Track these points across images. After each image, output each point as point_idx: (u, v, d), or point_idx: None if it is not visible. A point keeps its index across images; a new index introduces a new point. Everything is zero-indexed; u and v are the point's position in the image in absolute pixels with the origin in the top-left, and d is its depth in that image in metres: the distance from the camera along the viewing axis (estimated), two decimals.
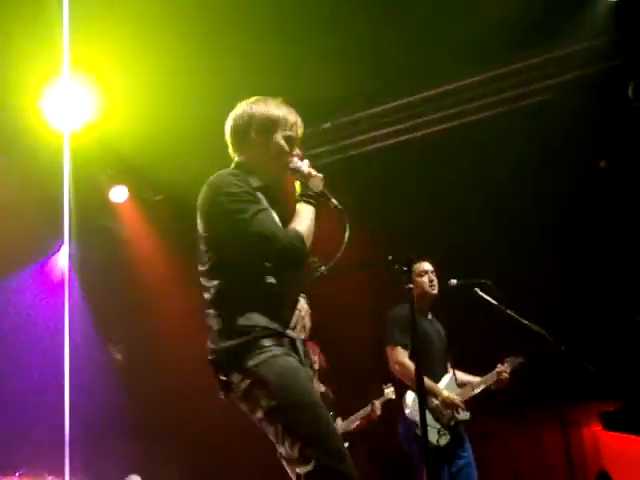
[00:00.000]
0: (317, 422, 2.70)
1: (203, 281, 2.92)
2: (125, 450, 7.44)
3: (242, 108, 3.07)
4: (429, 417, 4.87)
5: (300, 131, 3.09)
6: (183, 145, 6.90)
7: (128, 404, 7.65)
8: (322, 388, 6.56)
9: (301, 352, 2.87)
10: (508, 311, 5.05)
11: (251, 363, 2.74)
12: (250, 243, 2.80)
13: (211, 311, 2.87)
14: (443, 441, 4.99)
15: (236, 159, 3.08)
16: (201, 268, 2.92)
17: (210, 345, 2.87)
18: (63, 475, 6.29)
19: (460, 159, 6.89)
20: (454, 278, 5.27)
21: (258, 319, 2.78)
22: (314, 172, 3.02)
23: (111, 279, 8.15)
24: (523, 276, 6.68)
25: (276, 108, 3.04)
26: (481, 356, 5.66)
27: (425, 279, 5.38)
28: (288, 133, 3.02)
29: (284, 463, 2.78)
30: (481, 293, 5.13)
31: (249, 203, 2.83)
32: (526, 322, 4.99)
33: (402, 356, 5.16)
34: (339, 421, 6.37)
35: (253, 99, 3.09)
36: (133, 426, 7.65)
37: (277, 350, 2.77)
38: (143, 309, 8.03)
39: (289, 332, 2.84)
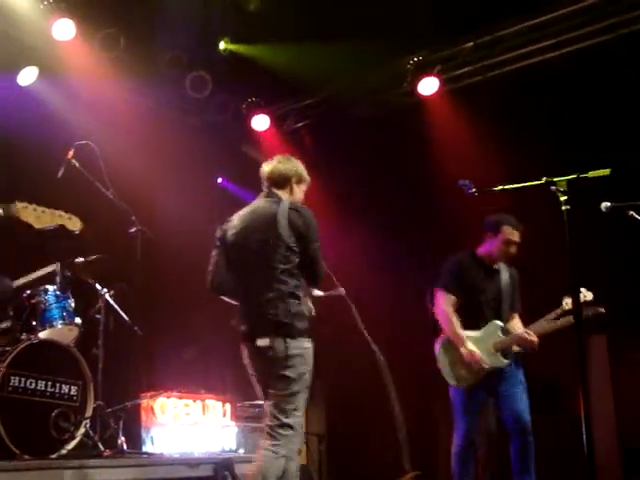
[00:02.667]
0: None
1: (282, 275, 4.06)
2: None
3: (290, 162, 4.43)
4: (449, 362, 5.28)
5: None
6: None
7: None
8: None
9: None
10: None
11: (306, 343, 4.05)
12: (315, 265, 4.16)
13: (291, 300, 4.04)
14: (463, 383, 5.22)
15: (286, 196, 4.31)
16: (281, 266, 4.07)
17: (271, 313, 4.03)
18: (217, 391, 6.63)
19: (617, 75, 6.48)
20: (607, 202, 5.00)
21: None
22: None
23: None
24: None
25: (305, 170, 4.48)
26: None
27: (504, 249, 5.28)
28: (305, 188, 4.46)
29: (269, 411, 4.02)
30: (638, 217, 4.85)
31: (318, 241, 4.18)
32: None
33: (446, 303, 5.29)
34: None
35: (292, 158, 4.47)
36: None
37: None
38: None
39: None
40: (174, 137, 7.64)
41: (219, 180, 8.79)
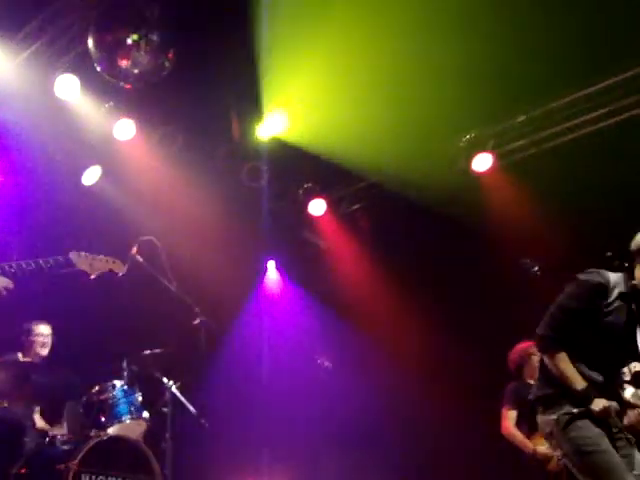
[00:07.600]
0: None
1: None
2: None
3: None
4: None
5: None
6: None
7: (339, 411, 7.78)
8: None
9: None
10: None
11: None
12: None
13: None
14: None
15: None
16: None
17: None
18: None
19: None
20: None
21: None
22: None
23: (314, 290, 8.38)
24: None
25: None
26: None
27: None
28: None
29: None
30: None
31: None
32: None
33: None
34: None
35: None
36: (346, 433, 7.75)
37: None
38: (349, 317, 8.13)
39: None
40: (234, 226, 7.77)
41: (270, 263, 8.84)
